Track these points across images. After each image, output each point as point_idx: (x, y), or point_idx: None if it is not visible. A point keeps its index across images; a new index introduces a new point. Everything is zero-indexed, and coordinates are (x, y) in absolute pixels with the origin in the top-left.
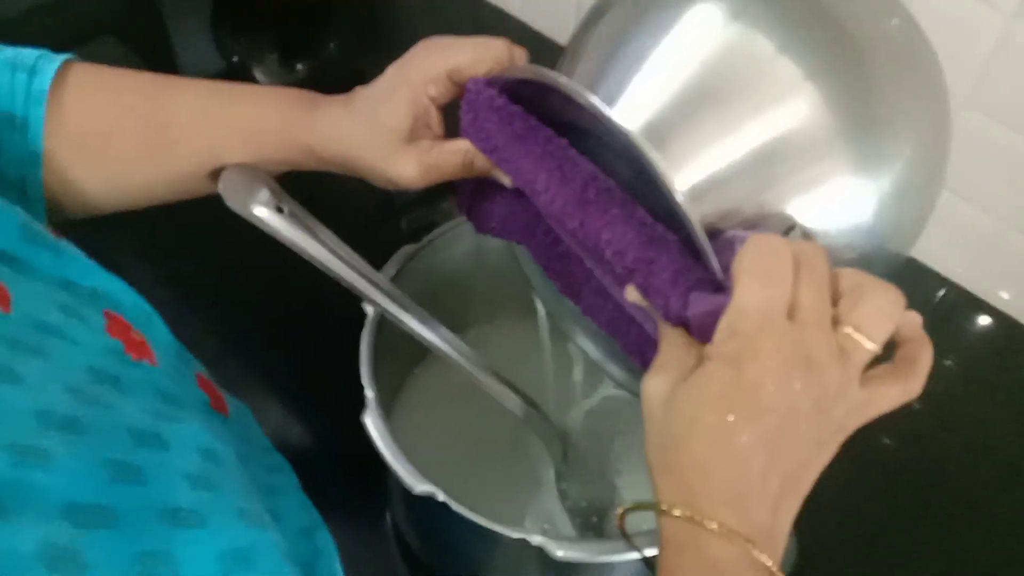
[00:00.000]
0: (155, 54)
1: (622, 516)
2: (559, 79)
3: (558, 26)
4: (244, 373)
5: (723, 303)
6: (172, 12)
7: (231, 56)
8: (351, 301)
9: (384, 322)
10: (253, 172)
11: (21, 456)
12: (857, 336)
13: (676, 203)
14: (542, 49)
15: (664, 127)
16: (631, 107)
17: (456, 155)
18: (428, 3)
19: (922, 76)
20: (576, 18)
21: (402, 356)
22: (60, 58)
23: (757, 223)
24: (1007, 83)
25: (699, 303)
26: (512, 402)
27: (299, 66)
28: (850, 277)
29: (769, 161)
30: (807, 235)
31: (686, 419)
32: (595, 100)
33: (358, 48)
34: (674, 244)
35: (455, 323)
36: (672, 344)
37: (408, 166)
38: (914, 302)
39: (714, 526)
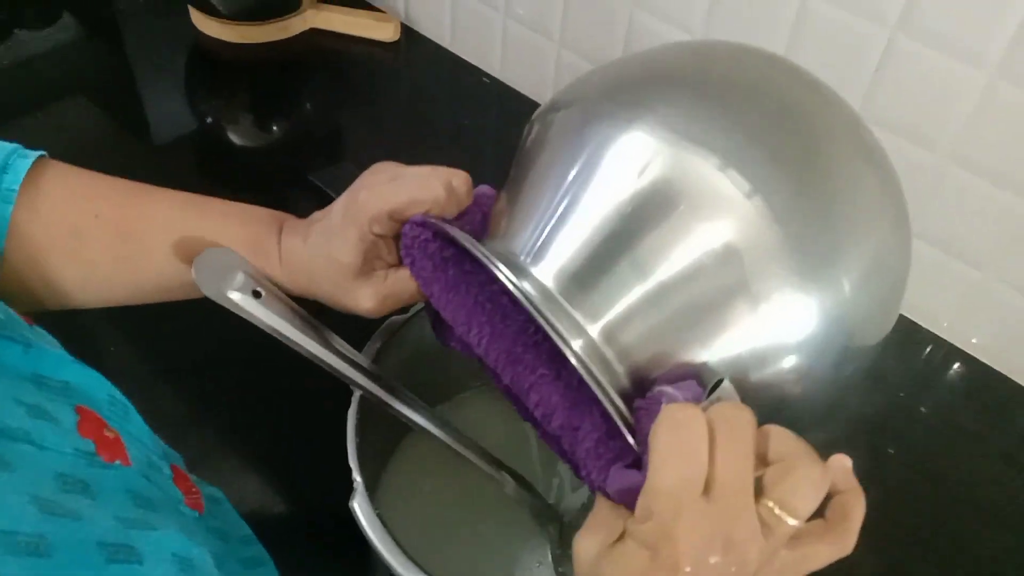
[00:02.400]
0: (127, 114)
1: None
2: (470, 244)
3: (536, 86)
4: (223, 453)
5: (639, 481)
6: (145, 72)
7: (205, 117)
8: (334, 377)
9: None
10: (229, 255)
11: None
12: (779, 512)
13: (586, 379)
14: (522, 107)
15: (585, 271)
16: (554, 252)
17: (410, 282)
18: (406, 63)
19: (873, 178)
20: (554, 80)
21: (388, 428)
22: (33, 155)
23: (687, 371)
24: (990, 139)
25: (617, 479)
26: (506, 483)
27: (274, 127)
28: (777, 443)
29: (700, 292)
30: (729, 395)
31: None
32: (503, 270)
33: (333, 106)
34: (597, 416)
35: (444, 390)
36: (602, 507)
37: (365, 299)
38: (894, 351)
39: None
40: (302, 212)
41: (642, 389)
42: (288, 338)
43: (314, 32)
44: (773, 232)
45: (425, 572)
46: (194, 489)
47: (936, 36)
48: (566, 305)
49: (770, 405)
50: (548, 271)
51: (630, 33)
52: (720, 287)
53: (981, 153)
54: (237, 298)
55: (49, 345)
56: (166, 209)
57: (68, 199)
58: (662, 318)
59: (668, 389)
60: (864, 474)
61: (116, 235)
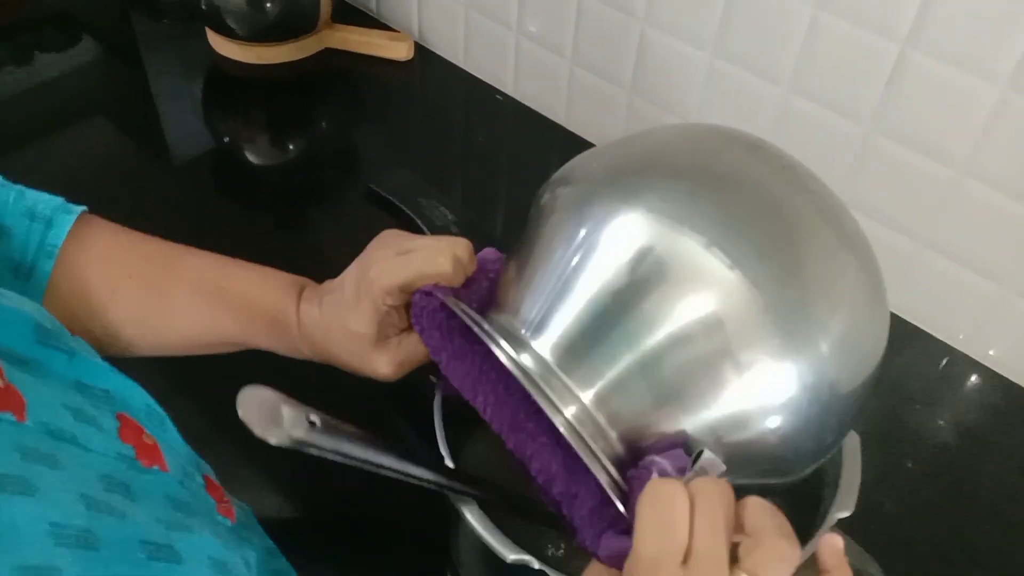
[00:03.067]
0: (146, 135)
1: None
2: (471, 321)
3: (549, 104)
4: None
5: (627, 548)
6: (163, 93)
7: (222, 136)
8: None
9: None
10: (267, 394)
11: None
12: None
13: (577, 449)
14: (535, 125)
15: (580, 342)
16: (552, 324)
17: (421, 346)
18: (420, 81)
19: (847, 253)
20: (567, 97)
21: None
22: (77, 211)
23: (675, 437)
24: (1004, 151)
25: (608, 545)
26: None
27: (291, 146)
28: (752, 515)
29: (687, 359)
30: (711, 466)
31: None
32: (501, 344)
33: (348, 125)
34: (594, 478)
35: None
36: (593, 570)
37: (383, 365)
38: (911, 363)
39: None
40: (318, 230)
41: (635, 454)
42: (352, 457)
43: (329, 52)
44: (753, 300)
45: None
46: (225, 498)
47: (947, 50)
48: (561, 375)
49: (759, 455)
50: (547, 342)
51: (641, 50)
52: (705, 354)
53: (995, 165)
54: (298, 434)
55: (90, 355)
56: (193, 274)
57: (106, 257)
58: (651, 384)
59: (657, 459)
60: (881, 486)
61: (149, 294)
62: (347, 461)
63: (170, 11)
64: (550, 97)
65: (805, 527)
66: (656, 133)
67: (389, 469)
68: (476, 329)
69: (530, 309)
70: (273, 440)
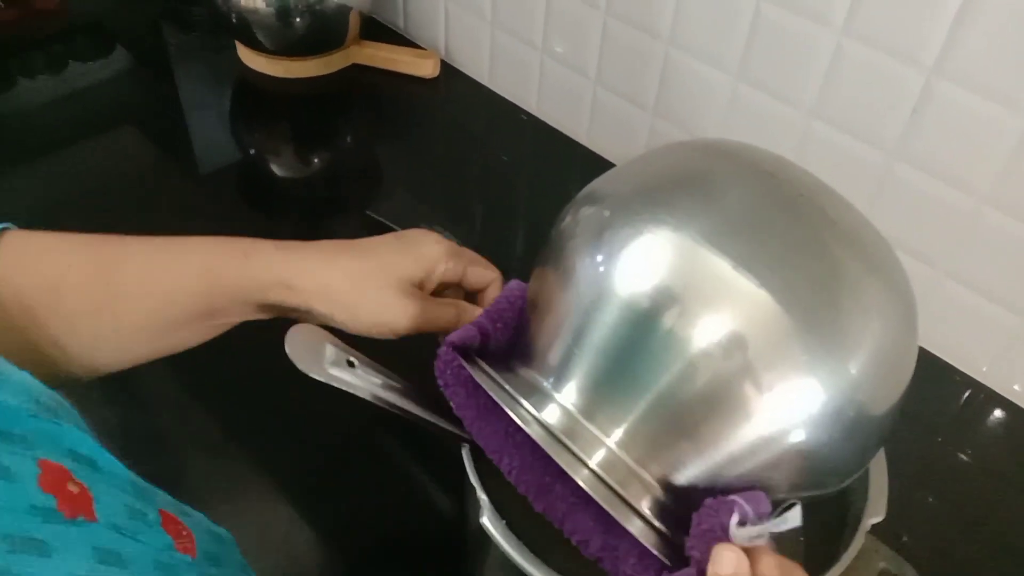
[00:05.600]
0: (175, 144)
1: None
2: (490, 389)
3: (573, 124)
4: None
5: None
6: (193, 104)
7: (249, 148)
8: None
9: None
10: (314, 331)
11: None
12: None
13: (608, 509)
14: (558, 144)
15: (602, 383)
16: (574, 368)
17: (442, 312)
18: (445, 99)
19: (877, 272)
20: (590, 117)
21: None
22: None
23: (715, 473)
24: None
25: None
26: None
27: (315, 159)
28: None
29: (717, 385)
30: (794, 520)
31: None
32: (520, 412)
33: (373, 140)
34: (627, 530)
35: None
36: None
37: (399, 318)
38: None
39: None
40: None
41: (676, 490)
42: (386, 400)
43: (356, 68)
44: (783, 321)
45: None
46: (185, 532)
47: (973, 80)
48: (586, 423)
49: (795, 476)
50: (571, 390)
51: (665, 72)
52: (734, 378)
53: (1018, 195)
54: (336, 372)
55: (9, 397)
56: (137, 251)
57: (39, 258)
58: (679, 415)
59: (739, 500)
60: (901, 519)
61: (92, 281)
62: (379, 403)
63: (201, 24)
64: (573, 117)
65: (835, 534)
66: (675, 150)
67: (418, 418)
68: (495, 396)
69: (552, 355)
70: (314, 374)
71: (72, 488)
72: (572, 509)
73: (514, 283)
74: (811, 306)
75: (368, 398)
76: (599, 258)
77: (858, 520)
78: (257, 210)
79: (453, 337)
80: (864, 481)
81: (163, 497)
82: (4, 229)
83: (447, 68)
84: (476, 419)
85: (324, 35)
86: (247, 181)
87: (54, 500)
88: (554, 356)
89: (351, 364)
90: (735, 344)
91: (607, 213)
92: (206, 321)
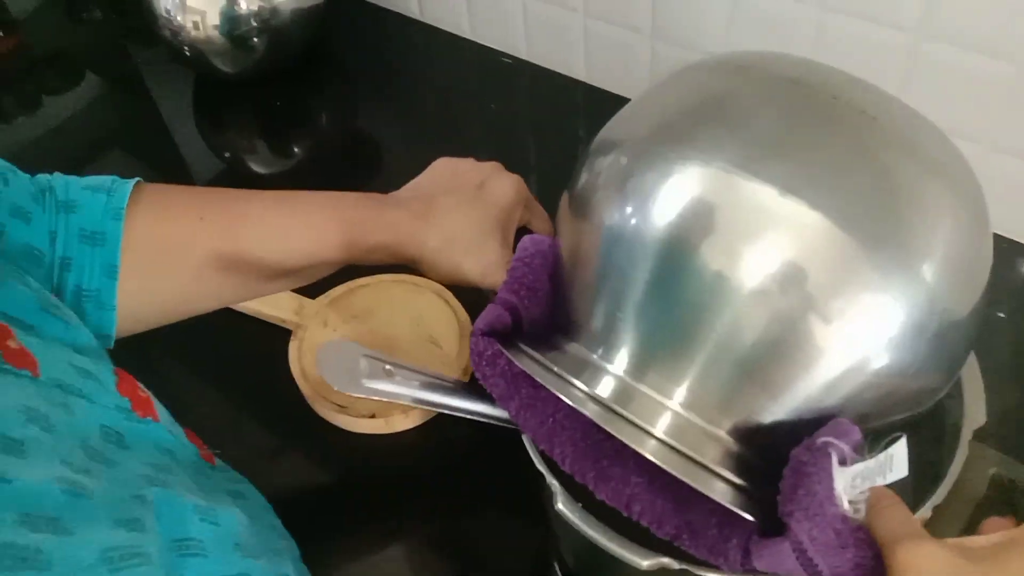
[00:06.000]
0: (164, 160)
1: None
2: (539, 366)
3: (565, 61)
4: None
5: (783, 546)
6: (174, 117)
7: (239, 150)
8: None
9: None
10: (346, 346)
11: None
12: None
13: (684, 478)
14: (554, 85)
15: (656, 343)
16: (623, 333)
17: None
18: (427, 58)
19: (929, 153)
20: (584, 52)
21: None
22: (133, 180)
23: (800, 415)
24: None
25: (762, 554)
26: None
27: (295, 148)
28: None
29: (781, 325)
30: (900, 456)
31: None
32: (573, 393)
33: (361, 115)
34: (703, 499)
35: None
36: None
37: (502, 263)
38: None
39: None
40: None
41: (757, 442)
42: (429, 402)
43: (326, 41)
44: (838, 242)
45: (648, 550)
46: (205, 445)
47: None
48: (645, 389)
49: (888, 398)
50: (623, 357)
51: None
52: (796, 312)
53: None
54: (375, 385)
55: (81, 325)
56: (261, 206)
57: (172, 209)
58: (746, 363)
59: (829, 439)
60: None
61: (224, 236)
62: (423, 406)
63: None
64: (567, 55)
65: (934, 444)
66: (686, 76)
67: (467, 412)
68: (543, 381)
69: (596, 322)
70: (352, 391)
71: (142, 394)
72: (636, 491)
73: (527, 240)
74: (869, 220)
75: (411, 403)
76: (628, 211)
77: (958, 430)
78: None
79: (480, 324)
80: (958, 387)
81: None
82: (138, 181)
83: (426, 29)
84: (521, 410)
85: (283, 51)
86: (248, 181)
87: (129, 402)
88: (598, 323)
89: (389, 373)
90: (792, 276)
91: (625, 160)
92: (319, 271)
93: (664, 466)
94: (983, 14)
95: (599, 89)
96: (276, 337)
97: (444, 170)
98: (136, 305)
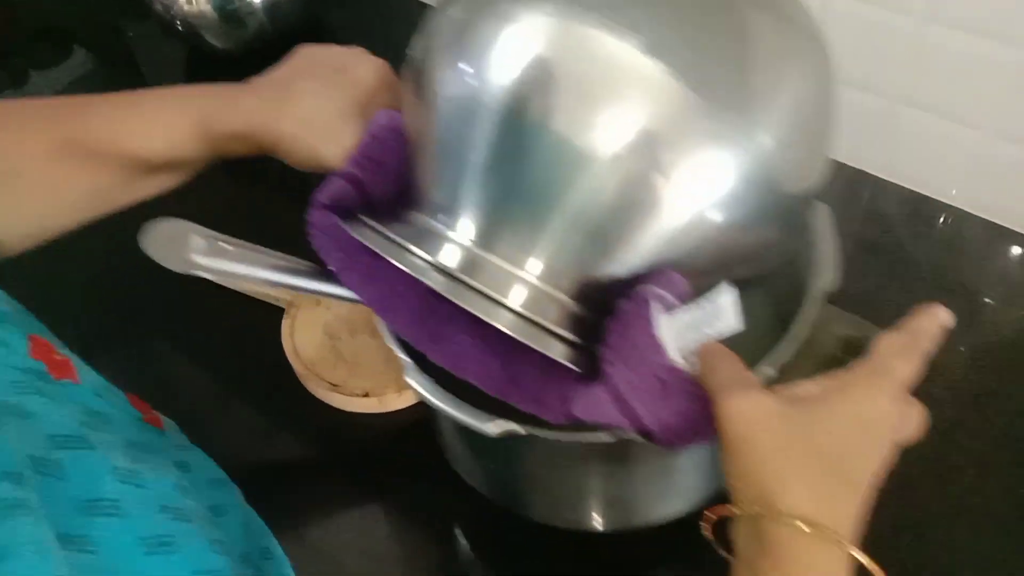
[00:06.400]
0: None
1: (712, 525)
2: (379, 248)
3: None
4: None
5: (601, 394)
6: None
7: None
8: None
9: None
10: (174, 223)
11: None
12: None
13: (513, 334)
14: None
15: (500, 210)
16: (467, 197)
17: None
18: None
19: (781, 27)
20: None
21: None
22: None
23: (641, 263)
24: None
25: (581, 402)
26: None
27: None
28: None
29: (620, 183)
30: (727, 300)
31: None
32: (409, 259)
33: None
34: (533, 352)
35: None
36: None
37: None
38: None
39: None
40: None
41: (595, 295)
42: (273, 282)
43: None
44: (687, 102)
45: (493, 415)
46: (153, 412)
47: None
48: (489, 256)
49: (730, 254)
50: (468, 223)
51: None
52: (641, 170)
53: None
54: (208, 262)
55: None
56: (110, 100)
57: (7, 127)
58: (593, 225)
59: (655, 288)
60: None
61: (65, 143)
62: (266, 286)
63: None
64: None
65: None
66: None
67: (314, 292)
68: (378, 249)
69: (437, 189)
70: (181, 269)
71: (58, 357)
72: (466, 348)
73: (381, 114)
74: (715, 81)
75: (253, 282)
76: (465, 68)
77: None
78: (263, 179)
79: (320, 196)
80: (811, 251)
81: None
82: None
83: (422, 5)
84: (361, 282)
85: (276, 27)
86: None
87: (44, 366)
88: (439, 190)
89: (224, 250)
90: (637, 136)
91: (461, 13)
92: (179, 170)
93: (490, 320)
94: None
95: None
96: (268, 315)
97: (303, 56)
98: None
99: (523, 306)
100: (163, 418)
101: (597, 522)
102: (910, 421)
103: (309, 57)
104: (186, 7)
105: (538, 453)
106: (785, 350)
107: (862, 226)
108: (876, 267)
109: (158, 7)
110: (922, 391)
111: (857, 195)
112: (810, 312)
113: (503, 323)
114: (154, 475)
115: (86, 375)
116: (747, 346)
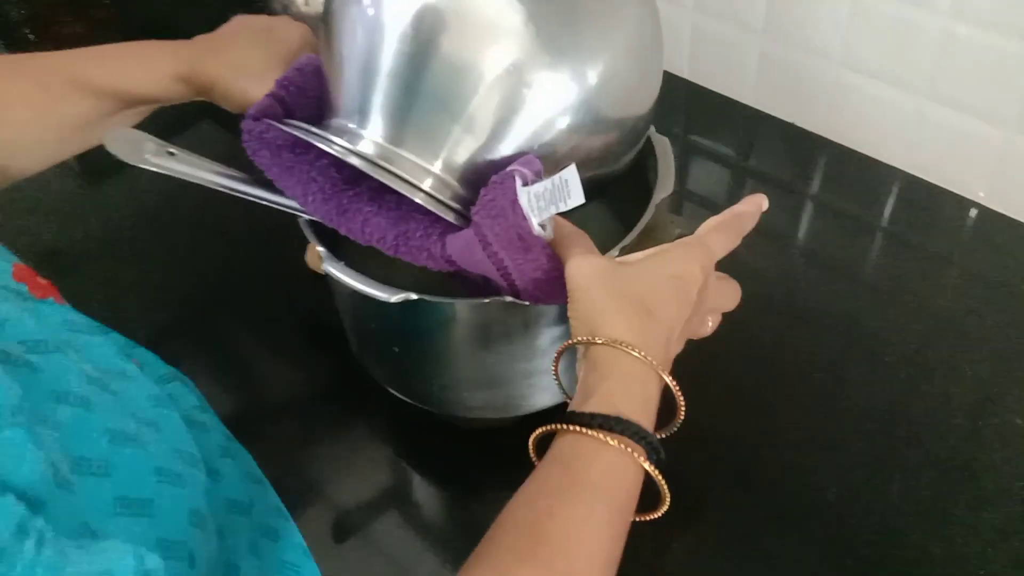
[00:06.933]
0: None
1: (558, 357)
2: (301, 132)
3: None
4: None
5: (469, 235)
6: None
7: None
8: None
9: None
10: (131, 131)
11: None
12: None
13: (391, 183)
14: None
15: (396, 111)
16: (371, 106)
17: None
18: None
19: None
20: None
21: None
22: None
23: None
24: None
25: (453, 242)
26: None
27: None
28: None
29: (490, 97)
30: (570, 174)
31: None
32: (333, 147)
33: None
34: (419, 216)
35: None
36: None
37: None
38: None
39: (639, 353)
40: None
41: (474, 178)
42: (215, 183)
43: None
44: (535, 38)
45: (392, 287)
46: (137, 349)
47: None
48: (390, 146)
49: (570, 151)
50: (377, 126)
51: None
52: (502, 85)
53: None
54: (160, 160)
55: None
56: (76, 55)
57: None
58: (465, 123)
59: (516, 167)
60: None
61: (36, 88)
62: (211, 186)
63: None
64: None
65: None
66: None
67: (249, 196)
68: (305, 137)
69: (351, 101)
70: (139, 164)
71: (41, 281)
72: (368, 218)
73: (304, 57)
74: (556, 11)
75: (200, 182)
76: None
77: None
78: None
79: (251, 110)
80: (654, 162)
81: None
82: None
83: None
84: (281, 173)
85: None
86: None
87: (25, 286)
88: (352, 101)
89: (172, 154)
90: (507, 60)
91: None
92: (138, 108)
93: (410, 195)
94: None
95: (701, 87)
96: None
97: (238, 20)
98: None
99: (430, 188)
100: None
101: (491, 410)
102: (725, 292)
103: (243, 21)
104: (304, 8)
105: (431, 324)
106: (628, 239)
107: (821, 189)
108: (903, 258)
109: (276, 7)
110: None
111: (886, 188)
112: (651, 212)
113: (420, 199)
114: (124, 384)
115: (70, 309)
116: (602, 245)
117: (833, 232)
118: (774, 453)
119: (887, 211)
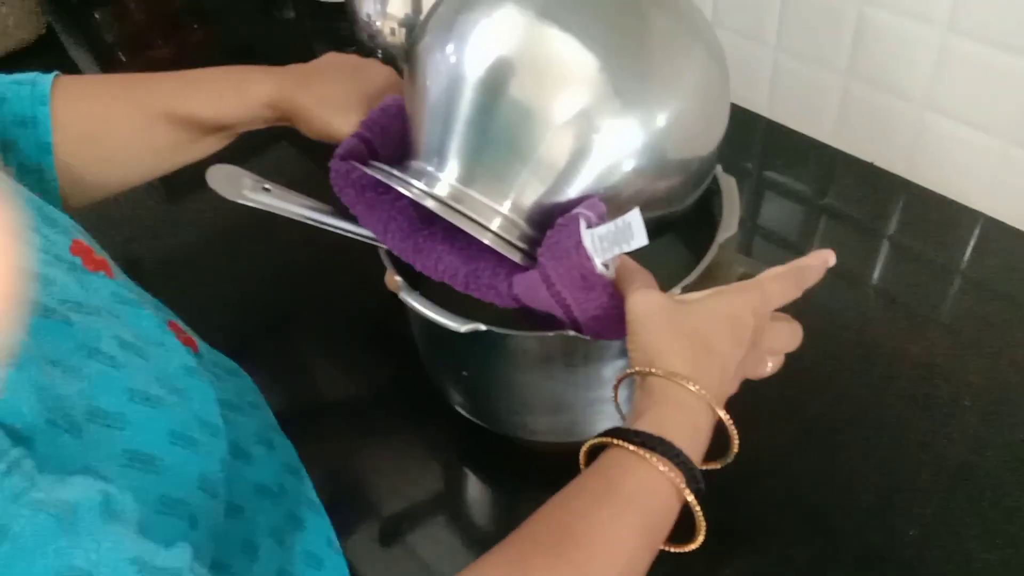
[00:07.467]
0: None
1: (617, 385)
2: (382, 175)
3: (751, 92)
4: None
5: (534, 276)
6: None
7: None
8: None
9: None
10: (229, 168)
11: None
12: None
13: (464, 227)
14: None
15: (472, 157)
16: (448, 150)
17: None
18: None
19: (688, 22)
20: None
21: None
22: (52, 73)
23: (576, 203)
24: None
25: (520, 281)
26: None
27: None
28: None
29: (562, 143)
30: (634, 218)
31: (705, 323)
32: (393, 174)
33: None
34: (488, 255)
35: None
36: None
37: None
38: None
39: (696, 387)
40: None
41: (541, 218)
42: (304, 216)
43: None
44: (606, 85)
45: (463, 318)
46: (191, 339)
47: None
48: (469, 190)
49: (635, 194)
50: (452, 170)
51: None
52: (571, 130)
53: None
54: (256, 196)
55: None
56: (173, 79)
57: (91, 92)
58: (541, 168)
59: (581, 210)
60: None
61: (138, 107)
62: (299, 219)
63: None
64: (750, 87)
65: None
66: None
67: (335, 227)
68: (387, 179)
69: (430, 145)
70: (237, 199)
71: (96, 256)
72: (441, 256)
73: (389, 97)
74: (626, 61)
75: (290, 215)
76: (452, 48)
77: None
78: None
79: (339, 151)
80: (719, 203)
81: (169, 314)
82: (58, 74)
83: None
84: (365, 211)
85: None
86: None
87: (80, 260)
88: (431, 143)
89: (267, 190)
90: (575, 105)
91: (447, 11)
92: (229, 131)
93: (478, 236)
94: (1007, 11)
95: (779, 125)
96: None
97: (328, 57)
98: (69, 184)
99: (499, 228)
100: (199, 342)
101: (553, 434)
102: (783, 335)
103: (334, 57)
104: (390, 38)
105: (498, 352)
106: (690, 278)
107: (898, 230)
108: (984, 303)
109: (363, 36)
110: None
111: (967, 231)
112: (713, 252)
113: (488, 240)
114: (159, 351)
115: (119, 273)
116: (667, 279)
117: (910, 274)
118: (846, 493)
119: (967, 254)
